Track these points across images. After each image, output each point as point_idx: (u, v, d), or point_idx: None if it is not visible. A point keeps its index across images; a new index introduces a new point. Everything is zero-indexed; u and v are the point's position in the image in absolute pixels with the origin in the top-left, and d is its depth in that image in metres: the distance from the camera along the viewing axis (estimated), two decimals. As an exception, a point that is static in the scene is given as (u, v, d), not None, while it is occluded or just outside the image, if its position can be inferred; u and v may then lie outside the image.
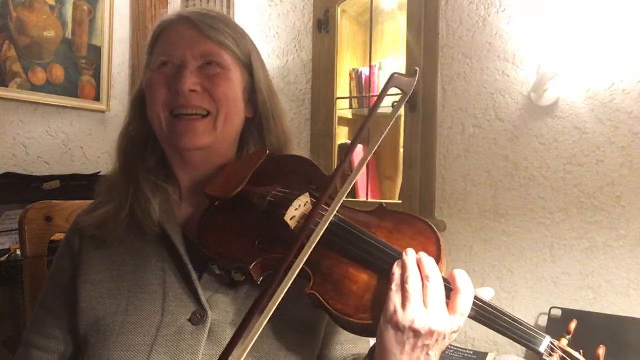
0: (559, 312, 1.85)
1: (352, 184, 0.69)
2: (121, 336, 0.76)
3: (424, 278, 0.65)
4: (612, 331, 1.73)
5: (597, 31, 1.80)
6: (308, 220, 0.67)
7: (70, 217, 1.09)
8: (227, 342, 0.71)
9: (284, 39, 2.58)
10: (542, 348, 0.66)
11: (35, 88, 2.35)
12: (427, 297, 0.64)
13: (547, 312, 1.88)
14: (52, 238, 1.08)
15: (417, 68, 0.73)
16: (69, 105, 2.50)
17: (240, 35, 0.90)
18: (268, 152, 0.88)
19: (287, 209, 0.74)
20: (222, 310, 0.78)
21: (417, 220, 0.76)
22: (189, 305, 0.77)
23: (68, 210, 1.10)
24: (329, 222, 0.67)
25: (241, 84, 0.89)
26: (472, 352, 1.94)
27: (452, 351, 1.94)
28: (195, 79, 0.83)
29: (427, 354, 0.65)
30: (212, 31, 0.86)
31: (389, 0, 2.39)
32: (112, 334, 0.76)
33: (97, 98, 2.61)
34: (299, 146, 0.98)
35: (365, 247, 0.70)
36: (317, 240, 0.65)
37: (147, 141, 0.91)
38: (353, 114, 2.48)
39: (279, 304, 0.61)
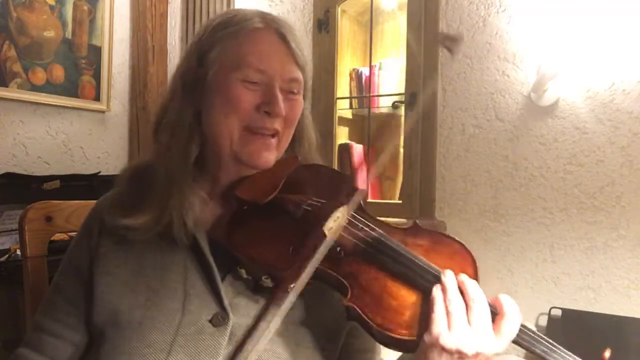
0: (559, 312, 1.85)
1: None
2: (140, 331, 0.75)
3: (468, 301, 0.66)
4: (612, 331, 1.72)
5: (597, 31, 1.80)
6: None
7: (70, 217, 1.09)
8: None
9: (284, 39, 2.57)
10: None
11: (35, 88, 2.35)
12: (472, 319, 0.66)
13: (547, 312, 1.88)
14: (52, 238, 1.08)
15: None
16: (69, 105, 2.50)
17: (308, 57, 0.91)
18: (299, 158, 0.89)
19: (326, 219, 0.74)
20: (244, 314, 0.77)
21: (452, 240, 0.76)
22: (210, 306, 0.76)
23: (68, 210, 1.09)
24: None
25: None
26: (472, 352, 1.94)
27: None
28: (283, 103, 0.83)
29: None
30: (298, 53, 0.86)
31: (389, 0, 2.40)
32: (130, 329, 0.75)
33: (97, 98, 2.61)
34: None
35: (406, 263, 0.70)
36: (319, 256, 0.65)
37: (193, 135, 0.86)
38: (353, 114, 2.48)
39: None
